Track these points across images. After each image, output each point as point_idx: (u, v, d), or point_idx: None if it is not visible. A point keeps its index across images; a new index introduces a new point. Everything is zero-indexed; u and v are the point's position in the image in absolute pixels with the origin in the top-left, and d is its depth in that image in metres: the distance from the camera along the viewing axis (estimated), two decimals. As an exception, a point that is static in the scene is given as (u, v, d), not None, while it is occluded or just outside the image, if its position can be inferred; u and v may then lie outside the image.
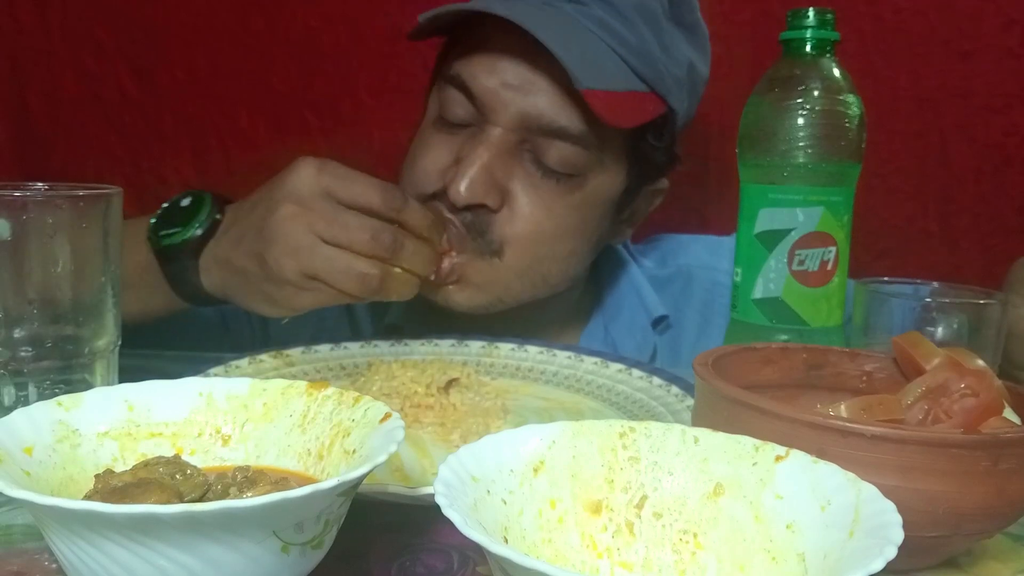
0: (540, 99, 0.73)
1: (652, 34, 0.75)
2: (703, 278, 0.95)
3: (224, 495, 0.36)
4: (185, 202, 0.70)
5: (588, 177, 0.77)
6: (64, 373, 0.49)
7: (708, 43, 0.83)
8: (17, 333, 0.47)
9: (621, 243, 0.94)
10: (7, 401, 0.47)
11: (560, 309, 0.91)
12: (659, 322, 0.92)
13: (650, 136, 0.79)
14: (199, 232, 0.68)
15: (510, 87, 0.74)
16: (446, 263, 0.73)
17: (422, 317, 0.88)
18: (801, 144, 0.64)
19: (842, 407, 0.43)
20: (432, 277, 0.66)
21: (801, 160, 0.64)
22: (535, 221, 0.76)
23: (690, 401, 0.62)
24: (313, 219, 0.61)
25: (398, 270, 0.63)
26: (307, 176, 0.62)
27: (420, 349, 0.76)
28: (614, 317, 0.93)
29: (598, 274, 0.95)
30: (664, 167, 0.86)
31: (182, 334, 0.79)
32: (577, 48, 0.71)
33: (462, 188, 0.72)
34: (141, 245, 0.70)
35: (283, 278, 0.62)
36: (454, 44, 0.80)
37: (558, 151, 0.74)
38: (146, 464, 0.38)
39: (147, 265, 0.70)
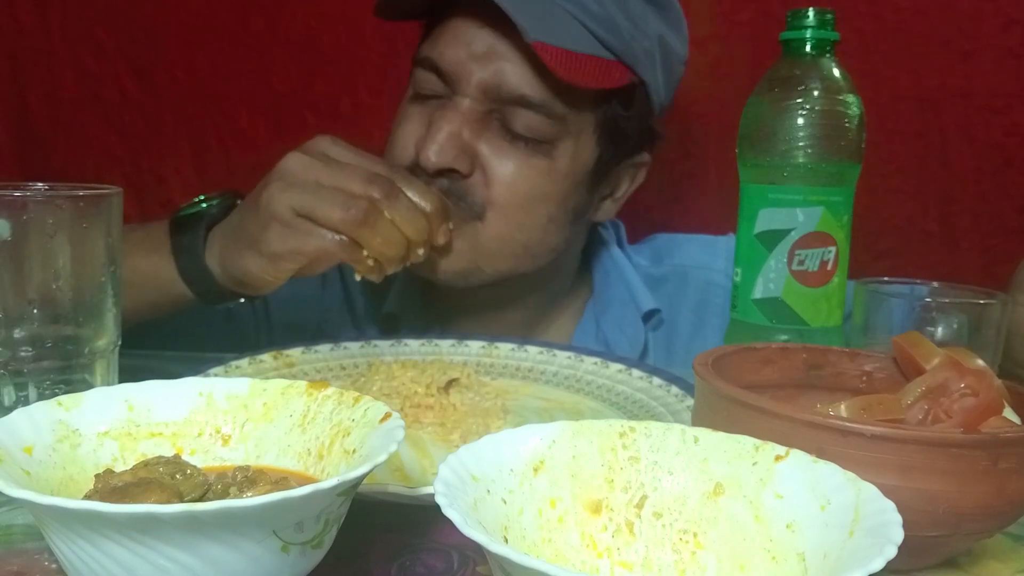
0: (503, 68, 0.75)
1: (616, 5, 0.77)
2: (698, 278, 0.95)
3: (224, 495, 0.36)
4: (213, 197, 0.75)
5: (557, 144, 0.79)
6: (64, 373, 0.49)
7: (683, 22, 0.84)
8: (17, 333, 0.47)
9: (607, 221, 0.94)
10: (7, 401, 0.47)
11: (555, 297, 0.91)
12: (650, 316, 0.93)
13: (616, 104, 0.81)
14: (214, 210, 0.72)
15: (474, 57, 0.76)
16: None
17: (419, 306, 0.88)
18: (801, 144, 0.64)
19: (842, 407, 0.43)
20: (421, 251, 0.66)
21: (801, 160, 0.64)
22: (507, 184, 0.78)
23: (690, 401, 0.62)
24: (315, 165, 0.65)
25: (387, 216, 0.64)
26: (314, 141, 0.69)
27: (420, 349, 0.76)
28: (604, 311, 0.94)
29: (589, 266, 0.95)
30: (640, 141, 0.87)
31: (183, 330, 0.79)
32: (534, 9, 0.72)
33: (431, 153, 0.75)
34: (157, 239, 0.72)
35: (272, 212, 0.64)
36: (426, 33, 0.83)
37: (524, 119, 0.77)
38: (146, 464, 0.38)
39: (158, 246, 0.72)
